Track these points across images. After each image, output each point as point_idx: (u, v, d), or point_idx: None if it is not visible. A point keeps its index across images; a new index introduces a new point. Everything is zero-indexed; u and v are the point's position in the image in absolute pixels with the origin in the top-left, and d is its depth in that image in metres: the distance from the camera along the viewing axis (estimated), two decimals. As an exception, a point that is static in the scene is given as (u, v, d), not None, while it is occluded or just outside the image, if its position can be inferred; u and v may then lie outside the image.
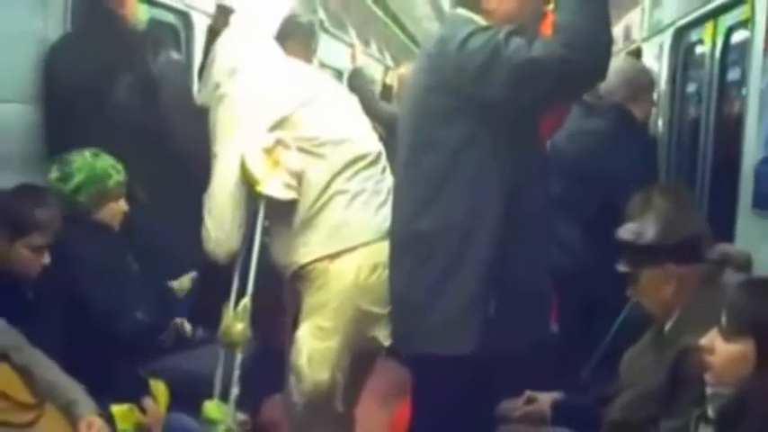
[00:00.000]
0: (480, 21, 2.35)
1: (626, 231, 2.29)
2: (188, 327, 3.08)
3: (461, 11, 2.42)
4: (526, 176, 2.35)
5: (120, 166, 2.82)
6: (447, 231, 2.34)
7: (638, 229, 2.26)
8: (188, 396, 2.83)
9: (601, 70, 2.25)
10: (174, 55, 3.42)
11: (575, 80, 2.25)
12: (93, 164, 2.76)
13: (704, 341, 1.83)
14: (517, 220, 2.32)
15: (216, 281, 3.03)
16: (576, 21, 2.16)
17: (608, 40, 2.25)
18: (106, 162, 2.79)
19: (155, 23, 3.86)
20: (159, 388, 2.74)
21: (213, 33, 3.31)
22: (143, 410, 2.59)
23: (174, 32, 4.10)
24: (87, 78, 2.99)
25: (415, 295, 2.41)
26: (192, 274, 3.00)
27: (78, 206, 2.71)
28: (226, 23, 3.26)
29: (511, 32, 2.22)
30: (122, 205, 2.84)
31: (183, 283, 2.95)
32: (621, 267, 2.30)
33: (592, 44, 2.17)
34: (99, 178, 2.76)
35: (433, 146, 2.36)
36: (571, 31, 2.16)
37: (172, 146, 3.11)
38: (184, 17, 4.12)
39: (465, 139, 2.32)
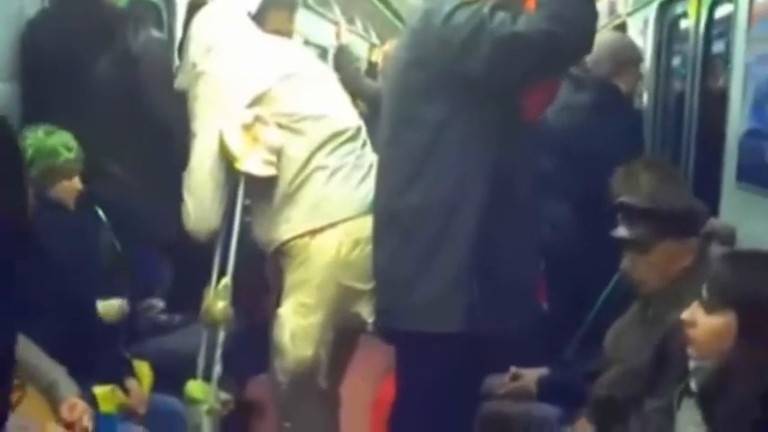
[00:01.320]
0: None
1: (647, 198, 2.22)
2: (159, 306, 3.05)
3: None
4: (512, 152, 2.34)
5: (73, 145, 2.79)
6: (432, 207, 2.33)
7: (661, 196, 2.21)
8: (172, 376, 2.81)
9: (586, 44, 2.25)
10: (155, 33, 3.38)
11: (559, 54, 2.24)
12: (43, 140, 2.74)
13: (686, 315, 1.83)
14: (503, 196, 2.31)
15: (195, 260, 3.01)
16: None
17: (592, 14, 2.25)
18: (58, 140, 2.76)
19: (136, 1, 3.81)
20: (143, 369, 2.72)
21: (193, 9, 3.27)
22: (126, 391, 2.57)
23: (155, 10, 4.06)
24: (65, 55, 2.95)
25: (400, 272, 2.41)
26: (121, 301, 2.92)
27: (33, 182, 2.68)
28: (206, 0, 3.21)
29: (495, 6, 2.21)
30: (76, 183, 2.81)
31: (109, 307, 2.89)
32: (628, 234, 2.23)
33: (576, 18, 2.17)
34: (48, 155, 2.73)
35: (417, 121, 2.35)
36: (556, 4, 2.15)
37: (152, 123, 3.08)
38: (166, -6, 4.08)
39: (449, 115, 2.31)
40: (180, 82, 3.03)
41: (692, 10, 3.82)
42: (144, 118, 3.07)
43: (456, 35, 2.23)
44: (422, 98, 2.33)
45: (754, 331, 1.71)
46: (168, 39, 3.91)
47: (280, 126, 2.87)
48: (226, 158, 2.85)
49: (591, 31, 2.24)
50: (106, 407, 2.41)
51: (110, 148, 2.89)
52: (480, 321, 2.30)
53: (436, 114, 2.31)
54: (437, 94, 2.31)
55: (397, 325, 2.46)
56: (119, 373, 2.59)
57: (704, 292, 1.80)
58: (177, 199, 2.92)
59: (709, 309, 1.78)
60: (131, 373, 2.66)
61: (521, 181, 2.40)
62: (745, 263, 1.83)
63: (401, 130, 2.40)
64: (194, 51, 2.96)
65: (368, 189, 2.83)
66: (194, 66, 2.93)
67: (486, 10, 2.20)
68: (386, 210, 2.49)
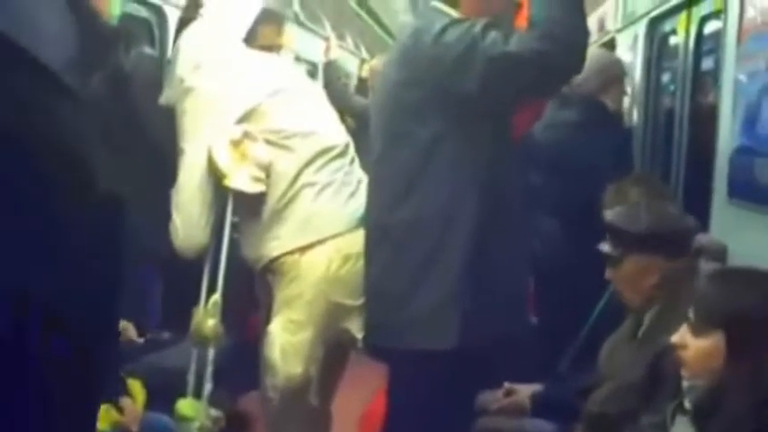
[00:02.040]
0: (455, 14, 2.34)
1: (617, 216, 2.28)
2: (133, 332, 3.04)
3: (436, 3, 2.41)
4: (502, 168, 2.36)
5: None
6: (424, 223, 2.34)
7: (630, 215, 2.25)
8: (166, 394, 2.80)
9: (577, 63, 2.26)
10: (146, 49, 3.39)
11: (552, 73, 2.25)
12: None
13: (675, 338, 1.84)
14: (495, 211, 2.32)
15: (184, 279, 3.00)
16: (552, 14, 2.16)
17: (584, 33, 2.26)
18: None
19: (128, 18, 3.81)
20: (136, 387, 2.71)
21: (183, 25, 3.28)
22: (120, 410, 2.56)
23: (147, 27, 4.06)
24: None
25: (392, 287, 2.41)
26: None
27: None
28: (196, 15, 3.22)
29: (487, 25, 2.22)
30: None
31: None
32: (606, 249, 2.29)
33: (568, 37, 2.18)
34: None
35: (408, 138, 2.35)
36: (547, 24, 2.16)
37: (144, 140, 3.07)
38: (158, 12, 4.08)
39: (441, 132, 2.31)
40: (167, 97, 3.02)
41: (681, 26, 3.84)
42: (136, 135, 3.07)
43: (448, 53, 2.23)
44: (413, 115, 2.34)
45: (742, 349, 1.72)
46: (160, 55, 3.92)
47: (268, 142, 2.87)
48: (214, 175, 2.85)
49: (583, 49, 2.26)
50: (101, 425, 2.40)
51: (101, 167, 2.88)
52: (473, 337, 2.30)
53: (428, 131, 2.32)
54: (429, 111, 2.32)
55: (389, 342, 2.46)
56: (113, 392, 2.58)
57: (691, 314, 1.81)
58: (168, 216, 2.92)
59: (697, 330, 1.79)
60: (125, 391, 2.65)
61: (511, 196, 2.41)
62: (729, 282, 1.84)
63: (392, 147, 2.41)
64: (182, 67, 2.95)
65: (356, 205, 2.84)
66: (182, 81, 2.93)
67: (477, 29, 2.21)
68: (378, 225, 2.49)
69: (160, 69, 3.23)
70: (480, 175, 2.32)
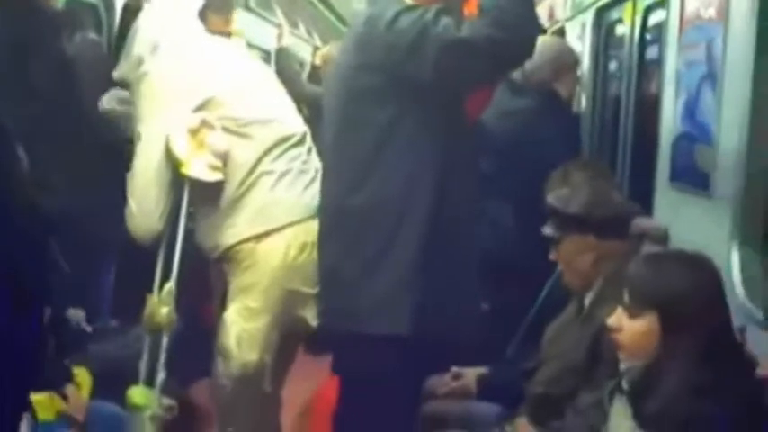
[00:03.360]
0: (408, 0, 2.35)
1: (555, 198, 2.33)
2: (80, 315, 3.02)
3: None
4: (457, 154, 2.37)
5: None
6: (380, 208, 2.35)
7: (566, 197, 2.30)
8: (113, 383, 2.78)
9: (528, 48, 2.28)
10: (91, 35, 3.34)
11: (503, 59, 2.28)
12: None
13: (611, 321, 1.88)
14: (449, 197, 2.34)
15: (136, 267, 2.98)
16: (502, 2, 2.18)
17: (534, 20, 2.29)
18: None
19: (74, 3, 3.76)
20: (82, 375, 2.68)
21: (129, 12, 3.25)
22: (65, 398, 2.54)
23: (93, 12, 4.00)
24: None
25: (347, 273, 2.41)
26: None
27: None
28: (142, 1, 3.18)
29: (439, 12, 2.24)
30: None
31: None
32: (546, 231, 2.35)
33: (518, 23, 2.20)
34: None
35: (363, 125, 2.36)
36: (497, 11, 2.18)
37: (89, 127, 3.04)
38: (106, -3, 4.03)
39: (395, 117, 2.32)
40: (121, 72, 2.98)
41: (627, 16, 3.90)
42: (82, 122, 3.04)
43: (401, 40, 2.25)
44: (368, 101, 2.35)
45: (676, 330, 1.77)
46: (108, 41, 3.87)
47: (226, 130, 2.86)
48: (171, 162, 2.83)
49: (533, 36, 2.28)
50: (44, 414, 2.37)
51: (46, 155, 2.84)
52: (426, 322, 2.32)
53: (383, 117, 2.33)
54: (383, 97, 2.33)
55: (344, 327, 2.46)
56: (57, 380, 2.55)
57: (625, 297, 1.85)
58: (116, 204, 2.89)
59: (632, 312, 1.84)
60: (70, 379, 2.63)
61: (464, 182, 2.43)
62: (661, 264, 1.88)
63: (347, 133, 2.41)
64: (140, 45, 2.92)
65: (314, 193, 2.85)
66: (140, 62, 2.90)
67: (429, 15, 2.23)
68: (333, 210, 2.49)
69: (105, 55, 3.20)
70: (435, 161, 2.33)
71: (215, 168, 2.84)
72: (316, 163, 2.97)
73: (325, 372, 3.10)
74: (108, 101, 3.12)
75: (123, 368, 2.86)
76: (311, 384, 3.46)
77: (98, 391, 2.69)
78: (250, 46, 5.64)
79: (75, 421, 2.52)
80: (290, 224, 2.85)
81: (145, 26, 2.97)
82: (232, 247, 2.87)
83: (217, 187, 2.87)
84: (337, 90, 2.47)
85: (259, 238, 2.85)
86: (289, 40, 5.57)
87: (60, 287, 2.80)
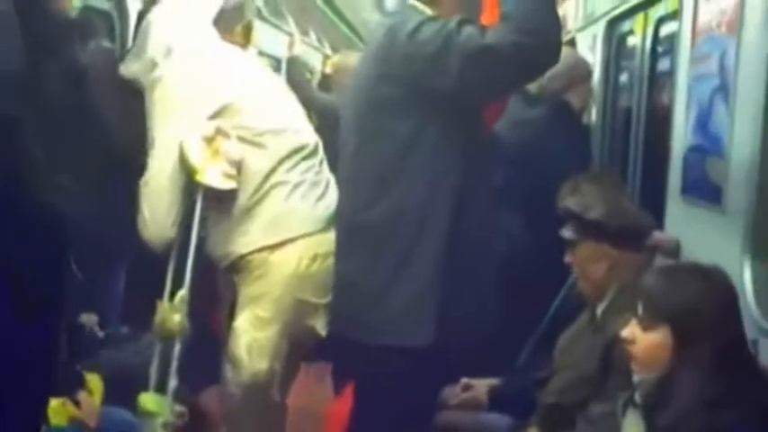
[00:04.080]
0: (427, 11, 2.36)
1: (574, 203, 2.34)
2: (93, 319, 3.03)
3: (410, 1, 2.42)
4: (475, 165, 2.36)
5: None
6: (400, 220, 2.33)
7: (585, 203, 2.31)
8: (124, 390, 2.79)
9: (555, 54, 2.25)
10: (105, 43, 3.35)
11: (530, 65, 2.25)
12: None
13: (624, 333, 1.88)
14: (467, 208, 2.33)
15: (146, 274, 2.99)
16: (526, 8, 2.17)
17: (557, 25, 2.26)
18: None
19: (88, 10, 3.78)
20: (94, 381, 2.69)
21: (143, 17, 3.26)
22: (77, 404, 2.55)
23: (107, 19, 4.03)
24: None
25: (368, 285, 2.39)
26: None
27: None
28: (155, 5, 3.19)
29: (462, 21, 2.22)
30: None
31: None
32: (564, 233, 2.37)
33: (543, 28, 2.19)
34: None
35: (385, 135, 2.34)
36: (520, 16, 2.16)
37: (101, 135, 3.06)
38: (119, 4, 4.04)
39: (417, 128, 2.31)
40: (132, 71, 2.98)
41: (638, 27, 3.91)
42: (94, 129, 3.05)
43: (423, 50, 2.24)
44: (389, 112, 2.33)
45: (689, 343, 1.77)
46: (121, 48, 3.89)
47: (241, 139, 2.86)
48: (185, 169, 2.84)
49: (557, 42, 2.26)
50: (57, 420, 2.38)
51: (61, 162, 2.86)
52: (447, 333, 2.31)
53: (404, 128, 2.31)
54: (405, 107, 2.31)
55: (365, 339, 2.41)
56: (70, 387, 2.56)
57: (639, 309, 1.85)
58: (128, 211, 2.90)
59: (645, 325, 1.84)
60: (82, 385, 2.64)
61: (483, 192, 2.42)
62: (675, 277, 1.89)
63: (368, 143, 2.39)
64: (153, 47, 2.93)
65: (326, 205, 2.87)
66: (153, 65, 2.90)
67: (452, 25, 2.21)
68: (352, 223, 2.47)
69: (118, 63, 3.21)
70: (456, 171, 2.32)
71: (229, 177, 2.84)
72: (327, 174, 2.97)
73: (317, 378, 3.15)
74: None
75: (135, 375, 2.86)
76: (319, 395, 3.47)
77: (110, 397, 2.71)
78: (261, 54, 5.67)
79: (87, 427, 2.53)
80: (304, 235, 2.86)
81: (158, 27, 2.97)
82: (244, 256, 2.88)
83: (230, 196, 2.87)
84: (357, 101, 2.46)
85: (273, 248, 2.86)
86: (299, 49, 5.57)
87: (72, 292, 2.82)
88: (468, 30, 2.20)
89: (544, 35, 2.19)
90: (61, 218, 2.61)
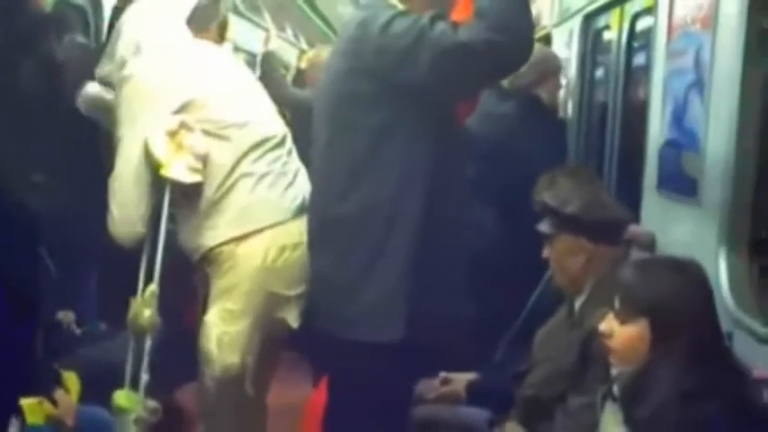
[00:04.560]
0: (399, 6, 2.36)
1: (551, 197, 2.35)
2: (70, 317, 3.01)
3: None
4: (447, 159, 2.36)
5: None
6: (371, 215, 2.32)
7: (562, 197, 2.32)
8: (102, 387, 2.77)
9: (527, 51, 2.25)
10: (79, 38, 3.33)
11: (502, 63, 2.25)
12: None
13: (602, 326, 1.90)
14: (438, 203, 2.33)
15: (121, 270, 2.98)
16: (500, 5, 2.17)
17: (530, 23, 2.26)
18: None
19: (63, 5, 3.74)
20: (71, 379, 2.66)
21: (118, 14, 3.23)
22: (54, 403, 2.52)
23: (82, 14, 3.99)
24: None
25: (340, 280, 2.38)
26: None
27: None
28: (130, 2, 3.18)
29: (435, 17, 2.21)
30: None
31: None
32: (541, 227, 2.37)
33: (515, 26, 2.18)
34: None
35: (354, 130, 2.34)
36: (494, 14, 2.16)
37: (76, 129, 3.03)
38: (94, -1, 4.02)
39: (389, 121, 2.30)
40: (105, 72, 2.97)
41: (614, 22, 3.93)
42: (68, 124, 3.03)
43: (395, 44, 2.23)
44: (361, 105, 2.32)
45: (666, 336, 1.78)
46: (96, 43, 3.86)
47: (205, 133, 2.86)
48: (151, 165, 2.83)
49: (530, 39, 2.26)
50: (34, 419, 2.36)
51: (35, 157, 2.84)
52: (418, 328, 2.32)
53: (374, 122, 2.31)
54: (377, 101, 2.30)
55: (337, 333, 2.42)
56: (46, 385, 2.54)
57: (616, 303, 1.87)
58: (103, 206, 2.89)
59: (623, 318, 1.85)
60: (59, 384, 2.61)
61: (454, 187, 2.42)
62: (651, 270, 1.90)
63: (339, 137, 2.38)
64: (124, 46, 2.92)
65: (293, 195, 2.87)
66: (123, 63, 2.90)
67: (425, 20, 2.20)
68: (326, 216, 2.45)
69: (93, 58, 3.19)
70: (426, 166, 2.31)
71: (194, 170, 2.84)
72: (296, 165, 2.98)
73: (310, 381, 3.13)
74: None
75: (112, 372, 2.85)
76: (300, 391, 3.46)
77: (88, 395, 2.69)
78: (237, 49, 5.65)
79: (64, 426, 2.50)
80: (270, 226, 2.85)
81: (128, 27, 2.97)
82: (212, 248, 2.88)
83: (197, 189, 2.87)
84: (328, 95, 2.45)
85: (239, 240, 2.85)
86: (275, 44, 5.55)
87: (49, 290, 2.80)
88: (441, 26, 2.20)
89: (517, 33, 2.20)
90: (35, 216, 2.60)
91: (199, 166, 2.84)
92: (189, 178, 2.83)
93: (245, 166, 2.87)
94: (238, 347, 2.85)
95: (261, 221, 2.85)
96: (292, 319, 2.84)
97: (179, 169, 2.82)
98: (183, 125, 2.83)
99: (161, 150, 2.81)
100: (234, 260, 2.85)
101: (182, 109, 2.85)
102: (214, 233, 2.87)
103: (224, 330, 2.85)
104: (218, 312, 2.86)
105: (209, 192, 2.87)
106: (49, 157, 2.97)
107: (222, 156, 2.86)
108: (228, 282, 2.86)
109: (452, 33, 2.18)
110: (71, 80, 3.07)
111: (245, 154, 2.88)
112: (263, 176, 2.89)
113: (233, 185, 2.86)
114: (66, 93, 3.06)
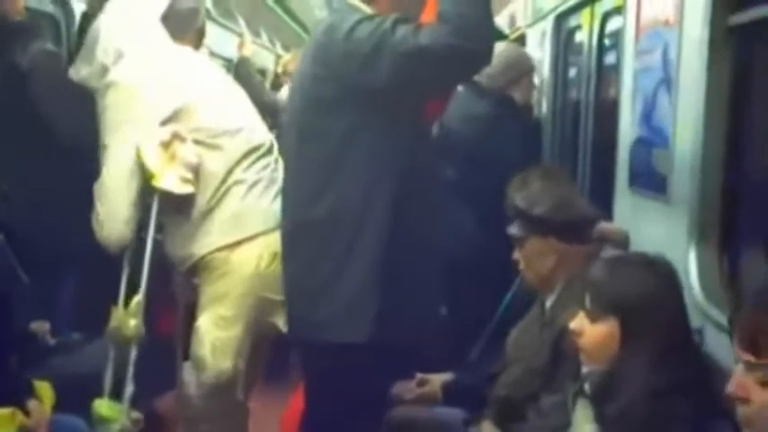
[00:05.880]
0: (368, 10, 2.36)
1: (520, 199, 2.37)
2: (45, 327, 3.00)
3: (350, 0, 2.43)
4: (416, 161, 2.38)
5: None
6: (339, 219, 2.34)
7: (531, 199, 2.34)
8: (76, 397, 2.75)
9: (487, 55, 2.28)
10: (48, 45, 3.30)
11: (462, 67, 2.29)
12: None
13: (572, 325, 1.90)
14: (408, 203, 2.34)
15: (97, 280, 2.96)
16: (461, 10, 2.19)
17: (491, 27, 2.31)
18: None
19: (32, 13, 3.72)
20: (44, 389, 2.64)
21: (88, 19, 3.21)
22: (27, 413, 2.50)
23: (53, 22, 3.97)
24: None
25: (310, 283, 2.41)
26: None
27: None
28: (101, 8, 3.16)
29: (397, 21, 2.23)
30: None
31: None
32: (511, 230, 2.39)
33: (476, 31, 2.21)
34: None
35: (321, 134, 2.36)
36: (455, 18, 2.19)
37: (45, 138, 3.01)
38: (64, 6, 3.99)
39: (355, 126, 2.32)
40: (82, 76, 2.95)
41: (585, 22, 3.95)
42: (35, 133, 3.01)
43: (358, 50, 2.25)
44: (328, 110, 2.35)
45: (635, 333, 1.79)
46: (68, 50, 3.84)
47: (197, 142, 2.87)
48: (141, 174, 2.83)
49: (491, 41, 2.29)
50: (6, 429, 2.34)
51: (0, 166, 2.83)
52: (387, 329, 2.33)
53: (340, 126, 2.33)
54: (343, 106, 2.32)
55: (308, 336, 2.46)
56: (19, 395, 2.52)
57: (586, 301, 1.87)
58: (78, 214, 2.87)
59: (593, 317, 1.86)
60: (32, 394, 2.59)
61: (425, 187, 2.43)
62: (619, 268, 1.91)
63: (308, 142, 2.40)
64: (103, 52, 2.91)
65: None
66: (104, 70, 2.89)
67: (387, 24, 2.23)
68: (295, 221, 2.48)
69: (64, 66, 3.17)
70: (394, 168, 2.33)
71: (186, 181, 2.85)
72: (282, 172, 2.98)
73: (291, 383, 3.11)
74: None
75: (87, 381, 2.83)
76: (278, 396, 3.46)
77: (63, 405, 2.67)
78: (212, 55, 5.63)
79: (37, 436, 2.49)
80: (263, 233, 2.87)
81: (107, 32, 2.94)
82: (205, 256, 2.88)
83: (188, 198, 2.87)
84: (298, 99, 2.47)
85: (233, 247, 2.87)
86: (250, 49, 5.54)
87: (21, 300, 2.78)
88: (403, 29, 2.21)
89: (478, 38, 2.22)
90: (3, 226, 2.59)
91: (191, 176, 2.85)
92: (181, 189, 2.84)
93: (236, 175, 2.89)
94: (231, 352, 2.87)
95: (254, 228, 2.87)
96: (282, 322, 2.84)
97: (171, 180, 2.83)
98: (175, 136, 2.83)
99: (153, 161, 2.81)
100: (227, 267, 2.86)
101: (172, 117, 2.86)
102: (207, 241, 2.88)
103: (217, 336, 2.86)
104: (210, 318, 2.88)
105: (201, 200, 2.88)
106: (19, 167, 2.95)
107: (214, 164, 2.88)
108: (221, 288, 2.88)
109: (413, 37, 2.19)
110: (37, 88, 3.05)
111: (238, 162, 2.90)
112: (254, 184, 2.91)
113: (225, 193, 2.88)
114: (33, 101, 3.04)
